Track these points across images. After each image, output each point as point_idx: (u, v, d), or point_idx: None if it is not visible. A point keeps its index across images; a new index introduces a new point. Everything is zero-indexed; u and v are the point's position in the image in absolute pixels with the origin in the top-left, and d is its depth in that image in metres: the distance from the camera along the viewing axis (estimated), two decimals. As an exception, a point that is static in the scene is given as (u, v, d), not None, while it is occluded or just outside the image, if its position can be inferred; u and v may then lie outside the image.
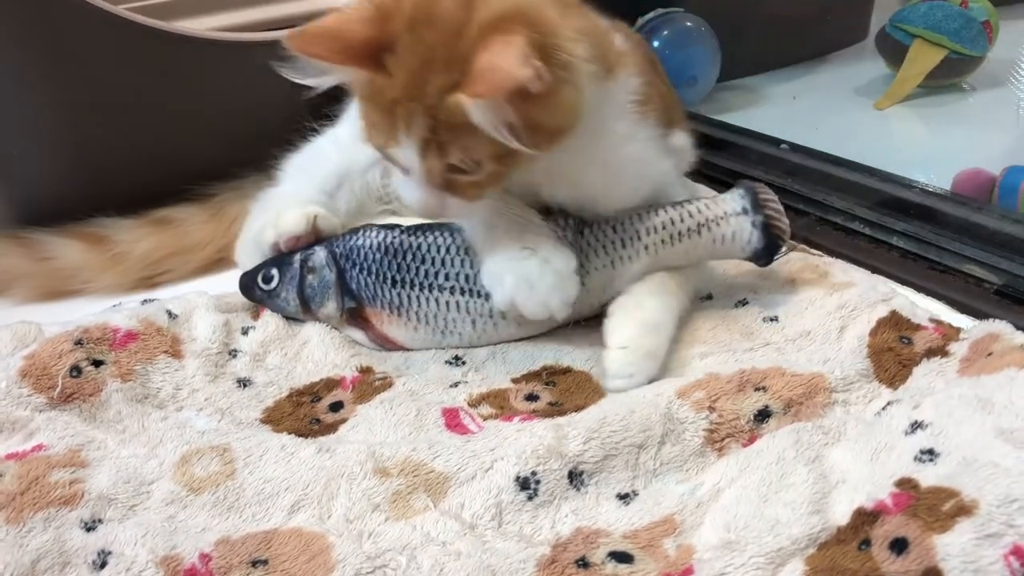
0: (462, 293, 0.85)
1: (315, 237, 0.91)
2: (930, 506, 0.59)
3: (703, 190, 1.02)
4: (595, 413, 0.73)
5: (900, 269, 0.96)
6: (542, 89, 0.68)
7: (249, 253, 0.94)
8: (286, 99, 1.11)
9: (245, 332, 0.88)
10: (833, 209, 1.08)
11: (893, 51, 1.51)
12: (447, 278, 0.85)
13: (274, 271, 0.88)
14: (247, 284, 0.90)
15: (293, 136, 1.06)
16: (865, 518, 0.61)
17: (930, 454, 0.65)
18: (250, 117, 1.11)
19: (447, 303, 0.85)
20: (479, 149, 0.72)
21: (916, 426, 0.68)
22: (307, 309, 0.88)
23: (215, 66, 1.07)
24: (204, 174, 1.09)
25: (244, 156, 1.09)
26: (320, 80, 0.76)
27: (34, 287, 1.00)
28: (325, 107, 1.07)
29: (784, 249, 0.88)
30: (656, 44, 1.40)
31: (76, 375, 0.78)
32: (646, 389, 0.76)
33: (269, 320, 0.88)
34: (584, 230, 0.85)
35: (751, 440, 0.72)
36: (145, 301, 0.90)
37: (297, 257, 0.89)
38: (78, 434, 0.74)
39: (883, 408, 0.73)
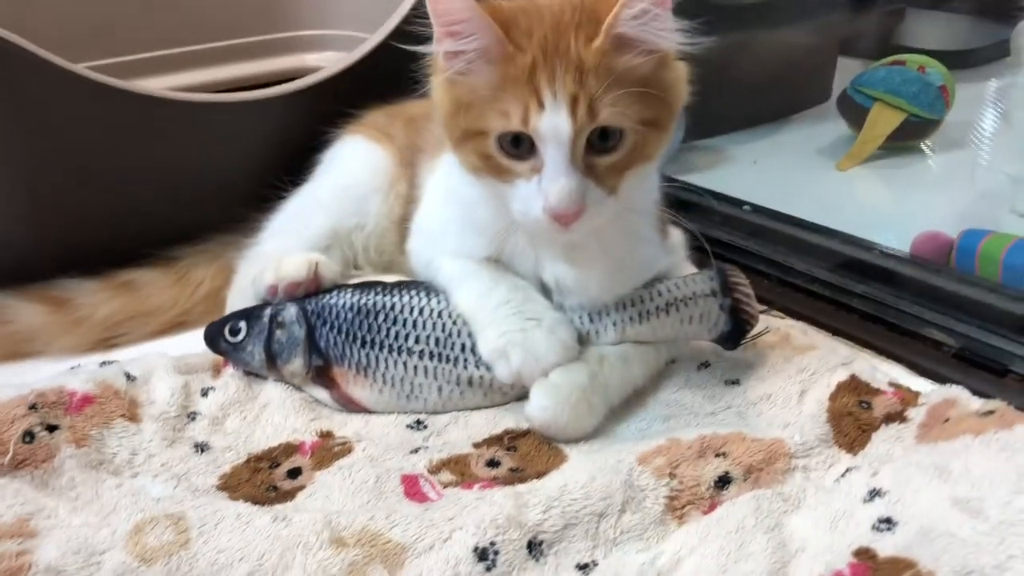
0: (431, 358, 0.84)
1: (315, 286, 0.91)
2: (887, 576, 0.59)
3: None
4: (556, 480, 0.72)
5: (860, 331, 0.98)
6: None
7: (245, 300, 0.94)
8: (250, 160, 1.13)
9: (205, 394, 0.86)
10: (794, 271, 1.09)
11: (854, 113, 1.54)
12: (417, 341, 0.85)
13: (242, 324, 0.88)
14: (212, 335, 0.89)
15: (259, 197, 1.06)
16: (824, 589, 0.61)
17: (888, 523, 0.65)
18: (214, 178, 1.11)
19: (415, 367, 0.84)
20: (627, 104, 0.72)
21: (874, 494, 0.68)
22: (272, 365, 0.87)
23: (177, 126, 1.07)
24: (168, 236, 1.08)
25: (209, 218, 1.09)
26: (439, 46, 0.74)
27: None
28: (290, 167, 1.08)
29: (751, 333, 0.89)
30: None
31: (29, 441, 0.76)
32: (607, 454, 0.76)
33: (230, 381, 0.87)
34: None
35: (711, 507, 0.72)
36: (104, 363, 0.89)
37: (267, 311, 0.88)
38: (28, 502, 0.72)
39: (842, 475, 0.73)
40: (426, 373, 0.84)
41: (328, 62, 1.49)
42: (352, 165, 1.06)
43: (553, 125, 0.71)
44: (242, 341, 0.88)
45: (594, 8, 0.73)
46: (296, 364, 0.86)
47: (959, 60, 1.72)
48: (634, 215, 0.84)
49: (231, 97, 1.09)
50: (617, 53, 0.72)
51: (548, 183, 0.73)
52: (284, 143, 1.12)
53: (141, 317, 1.02)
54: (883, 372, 0.87)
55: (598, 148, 0.73)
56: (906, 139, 1.52)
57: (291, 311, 0.88)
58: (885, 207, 1.43)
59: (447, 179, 0.89)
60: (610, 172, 0.75)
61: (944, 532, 0.62)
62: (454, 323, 0.85)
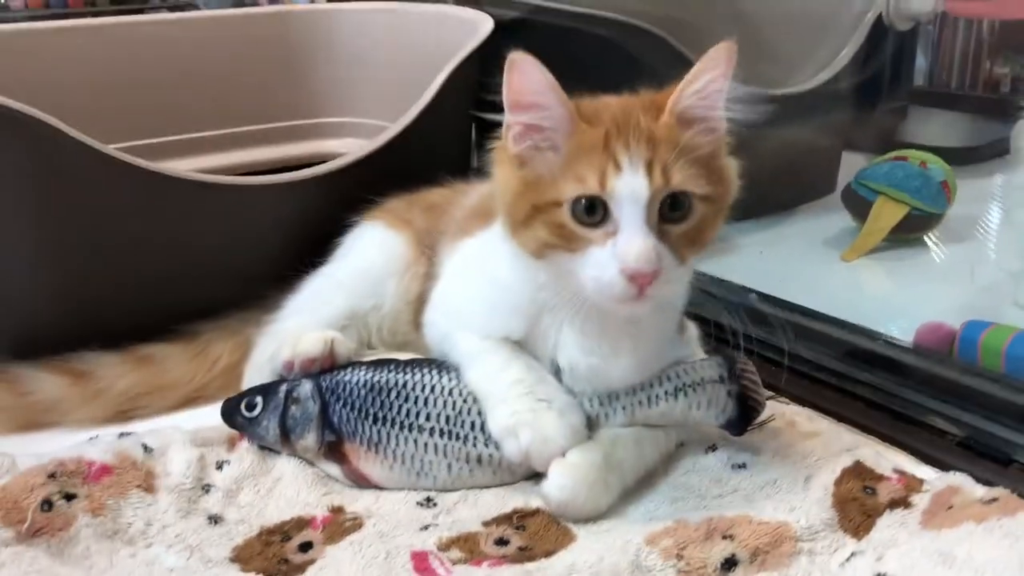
0: (441, 435, 0.86)
1: (330, 363, 0.93)
2: (893, 663, 0.60)
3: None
4: (565, 559, 0.73)
5: (865, 418, 0.99)
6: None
7: (262, 376, 0.96)
8: (272, 240, 1.17)
9: (220, 467, 0.88)
10: (800, 358, 1.11)
11: (858, 206, 1.58)
12: (427, 418, 0.86)
13: (258, 399, 0.90)
14: (229, 411, 0.91)
15: (279, 277, 1.09)
16: (829, 673, 0.61)
17: (893, 609, 0.66)
18: (236, 256, 1.14)
19: (425, 444, 0.86)
20: (693, 175, 0.76)
21: (879, 578, 0.69)
22: (286, 440, 0.88)
23: (204, 207, 1.11)
24: (190, 312, 1.11)
25: (230, 295, 1.12)
26: (513, 118, 0.79)
27: (10, 419, 1.00)
28: (310, 249, 1.11)
29: (758, 420, 0.90)
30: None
31: (47, 509, 0.78)
32: (615, 535, 0.77)
33: (244, 455, 0.89)
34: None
35: (718, 590, 0.72)
36: (122, 434, 0.90)
37: (283, 387, 0.90)
38: (43, 570, 0.73)
39: (847, 559, 0.74)
40: (436, 450, 0.86)
41: (349, 148, 1.55)
42: (370, 250, 1.09)
43: (631, 186, 0.74)
44: (258, 416, 0.90)
45: (655, 98, 0.79)
46: (309, 439, 0.88)
47: (961, 157, 1.76)
48: (666, 307, 0.86)
49: (256, 180, 1.13)
50: (683, 129, 0.77)
51: (625, 243, 0.74)
52: (305, 225, 1.15)
53: (159, 391, 1.04)
54: (888, 459, 0.88)
55: (668, 217, 0.76)
56: (909, 232, 1.55)
57: (306, 387, 0.90)
58: (889, 297, 1.45)
59: (478, 261, 0.92)
60: (681, 241, 0.77)
61: (949, 618, 0.62)
62: (464, 401, 0.87)
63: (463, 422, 0.86)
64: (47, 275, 1.06)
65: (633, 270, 0.74)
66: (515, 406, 0.83)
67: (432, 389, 0.87)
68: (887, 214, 1.53)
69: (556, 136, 0.78)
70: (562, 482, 0.81)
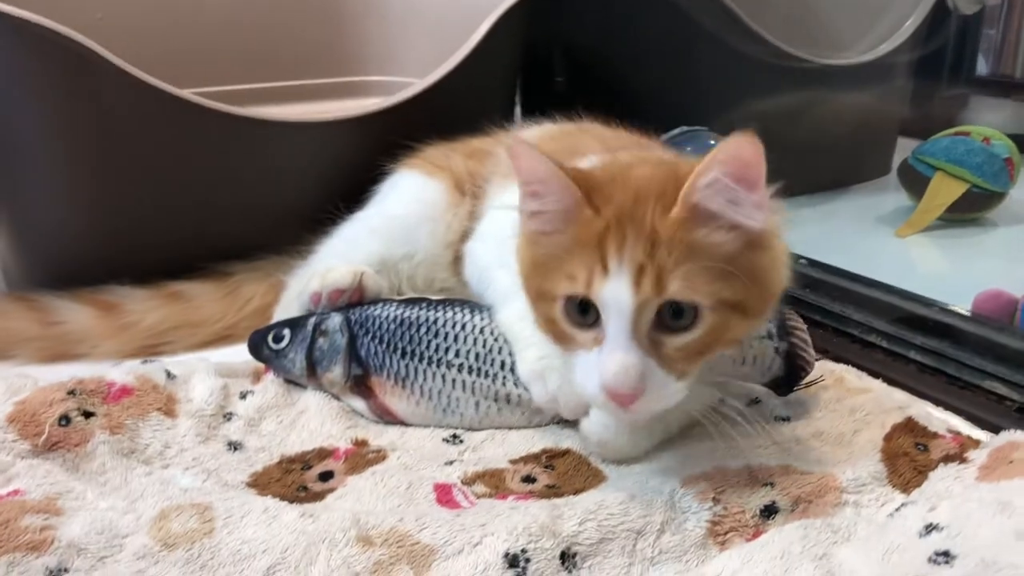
0: (470, 372, 0.83)
1: (359, 296, 0.91)
2: (945, 607, 0.55)
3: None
4: (594, 496, 0.69)
5: (918, 383, 0.94)
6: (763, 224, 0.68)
7: (290, 314, 0.94)
8: (308, 182, 1.15)
9: (243, 396, 0.86)
10: (851, 321, 1.06)
11: (915, 182, 1.52)
12: (456, 355, 0.84)
13: (286, 331, 0.88)
14: (256, 342, 0.89)
15: (314, 221, 1.07)
16: (875, 617, 0.57)
17: (946, 556, 0.61)
18: (272, 197, 1.13)
19: (453, 380, 0.83)
20: (700, 281, 0.66)
21: (931, 528, 0.64)
22: (312, 372, 0.86)
23: (239, 142, 1.09)
24: (225, 252, 1.10)
25: (263, 237, 1.11)
26: (522, 204, 0.72)
27: (38, 350, 0.99)
28: (346, 194, 1.09)
29: (805, 380, 0.86)
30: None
31: (64, 424, 0.76)
32: (650, 476, 0.73)
33: (269, 387, 0.87)
34: None
35: (755, 535, 0.68)
36: (146, 361, 0.89)
37: (312, 320, 0.88)
38: (57, 483, 0.71)
39: (896, 510, 0.69)
40: (464, 387, 0.83)
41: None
42: (405, 197, 1.07)
43: (615, 293, 0.66)
44: (284, 348, 0.88)
45: (678, 177, 0.68)
46: (336, 372, 0.86)
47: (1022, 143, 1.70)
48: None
49: (295, 117, 1.12)
50: (695, 225, 0.67)
51: (606, 356, 0.67)
52: (343, 167, 1.14)
53: (187, 327, 1.02)
54: (941, 419, 0.83)
55: (670, 326, 0.67)
56: (968, 211, 1.49)
57: (335, 320, 0.88)
58: (944, 275, 1.39)
59: None
60: (680, 354, 0.68)
61: (1008, 564, 0.57)
62: (495, 340, 0.84)
63: (493, 360, 0.83)
64: (84, 204, 1.05)
65: (609, 388, 0.67)
66: (544, 350, 0.79)
67: (463, 327, 0.84)
68: (945, 191, 1.47)
69: (560, 223, 0.70)
70: (607, 421, 0.77)
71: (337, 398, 0.87)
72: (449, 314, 0.86)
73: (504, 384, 0.82)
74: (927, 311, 1.05)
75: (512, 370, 0.82)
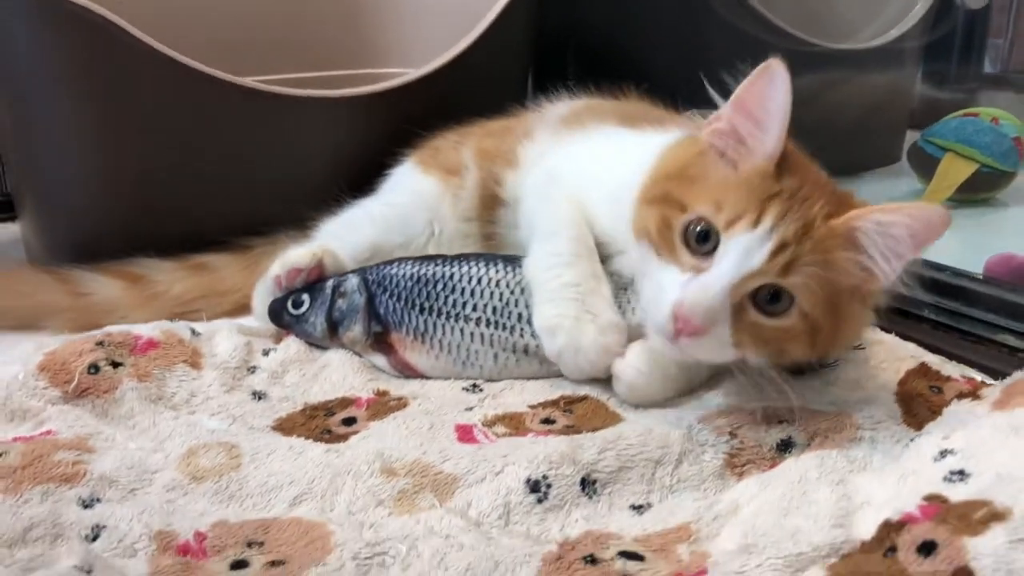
0: (487, 325, 0.85)
1: (318, 274, 0.92)
2: (960, 514, 0.56)
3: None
4: (613, 430, 0.71)
5: (931, 338, 0.94)
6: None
7: (260, 296, 0.96)
8: (333, 161, 1.17)
9: (266, 353, 0.88)
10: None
11: (925, 164, 1.53)
12: (474, 308, 0.85)
13: (305, 296, 0.90)
14: (276, 309, 0.90)
15: (333, 199, 1.09)
16: (891, 528, 0.57)
17: (960, 475, 0.62)
18: (296, 175, 1.14)
19: (471, 334, 0.85)
20: (812, 289, 0.69)
21: (945, 453, 0.65)
22: (333, 333, 0.88)
23: (273, 120, 1.11)
24: (245, 227, 1.12)
25: (285, 213, 1.12)
26: (729, 114, 0.72)
27: (68, 320, 1.00)
28: (359, 174, 1.11)
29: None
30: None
31: (94, 372, 0.78)
32: (667, 412, 0.74)
33: (291, 344, 0.89)
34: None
35: (772, 467, 0.69)
36: (171, 319, 0.91)
37: (330, 283, 0.90)
38: (88, 426, 0.73)
39: (910, 441, 0.70)
40: (482, 340, 0.84)
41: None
42: (403, 190, 1.09)
43: (748, 249, 0.68)
44: (305, 312, 0.89)
45: (850, 198, 0.73)
46: (356, 331, 0.87)
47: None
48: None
49: (310, 93, 1.13)
50: (844, 245, 0.69)
51: (696, 285, 0.68)
52: (356, 146, 1.16)
53: (214, 296, 1.04)
54: (954, 367, 0.84)
55: (759, 302, 0.69)
56: (978, 191, 1.50)
57: (352, 281, 0.90)
58: (955, 252, 1.39)
59: (618, 150, 0.89)
60: (750, 330, 0.70)
61: (1022, 477, 0.58)
62: (511, 292, 0.85)
63: (510, 313, 0.85)
64: (108, 177, 1.07)
65: (680, 310, 0.68)
66: (561, 308, 0.81)
67: (479, 281, 0.86)
68: (955, 171, 1.48)
69: (746, 156, 0.71)
70: (640, 366, 0.78)
71: (359, 355, 0.88)
72: (465, 268, 0.87)
73: (522, 336, 0.84)
74: (939, 275, 1.06)
75: (530, 322, 0.84)
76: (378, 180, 1.12)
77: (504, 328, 0.84)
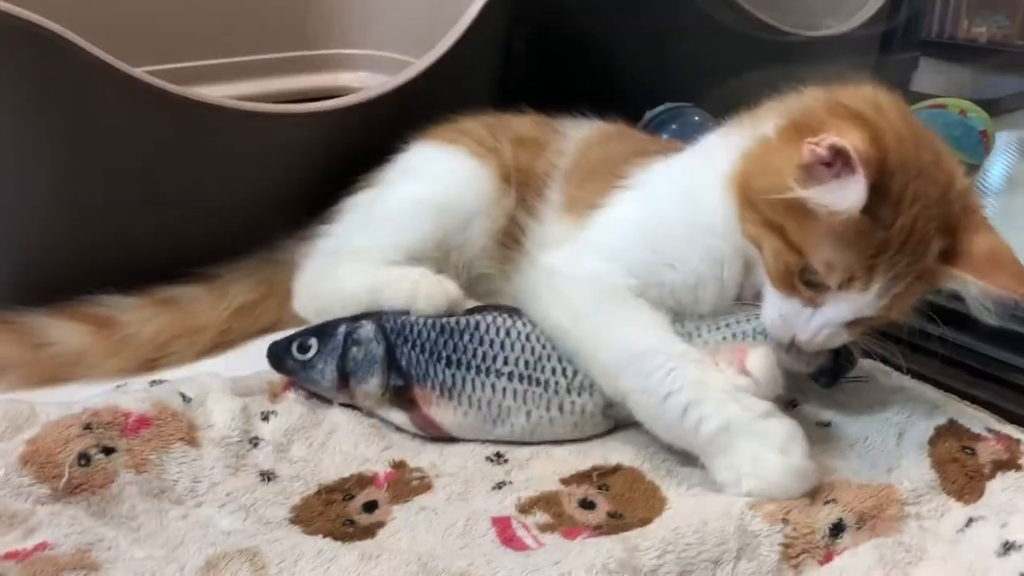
0: (520, 380, 0.79)
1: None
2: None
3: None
4: (668, 524, 0.67)
5: (942, 375, 0.93)
6: None
7: (340, 307, 0.88)
8: (297, 176, 1.08)
9: (265, 418, 0.80)
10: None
11: (893, 156, 1.52)
12: (506, 362, 0.80)
13: (312, 340, 0.82)
14: (278, 353, 0.83)
15: (306, 218, 1.01)
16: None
17: (1033, 578, 0.61)
18: (258, 193, 1.05)
19: (503, 389, 0.79)
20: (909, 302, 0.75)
21: (1008, 547, 0.64)
22: (344, 385, 0.81)
23: (228, 135, 1.01)
24: (208, 253, 1.02)
25: (255, 235, 1.03)
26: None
27: (28, 376, 0.88)
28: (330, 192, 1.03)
29: (852, 374, 0.85)
30: (664, 138, 1.38)
31: (85, 464, 0.70)
32: (716, 499, 0.71)
33: (292, 406, 0.82)
34: None
35: (828, 557, 0.67)
36: (154, 382, 0.83)
37: (342, 328, 0.83)
38: (86, 531, 0.65)
39: (966, 525, 0.69)
40: (515, 396, 0.79)
41: (364, 82, 1.45)
42: (454, 177, 0.98)
43: (860, 305, 0.71)
44: (312, 359, 0.82)
45: (970, 203, 0.74)
46: (373, 384, 0.81)
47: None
48: None
49: (275, 108, 1.04)
50: (943, 278, 0.73)
51: (816, 323, 0.73)
52: (328, 160, 1.06)
53: (188, 336, 0.94)
54: (978, 418, 0.83)
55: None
56: (946, 183, 1.50)
57: (368, 328, 0.83)
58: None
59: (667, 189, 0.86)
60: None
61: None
62: (543, 347, 0.80)
63: (543, 367, 0.80)
64: (60, 208, 0.96)
65: (809, 347, 0.75)
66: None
67: (507, 332, 0.81)
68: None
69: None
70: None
71: (368, 414, 0.82)
72: (490, 319, 0.82)
73: (557, 392, 0.79)
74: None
75: (564, 375, 0.79)
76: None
77: (538, 384, 0.79)
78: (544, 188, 0.96)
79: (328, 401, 0.84)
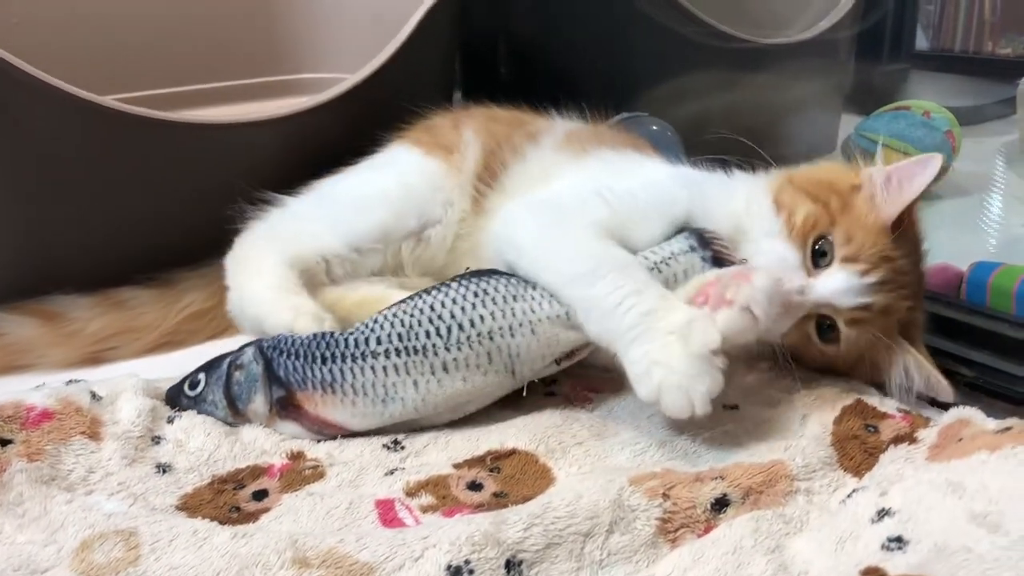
0: (398, 354, 0.79)
1: None
2: (899, 594, 0.54)
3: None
4: (541, 500, 0.67)
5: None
6: None
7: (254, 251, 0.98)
8: (245, 182, 1.10)
9: (171, 421, 0.81)
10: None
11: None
12: (379, 342, 0.80)
13: (200, 376, 0.83)
14: (173, 394, 0.84)
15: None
16: (829, 609, 0.55)
17: (898, 542, 0.60)
18: (208, 201, 1.07)
19: (383, 368, 0.79)
20: (856, 349, 0.83)
21: (883, 513, 0.63)
22: (235, 409, 0.82)
23: (173, 148, 1.05)
24: (161, 259, 1.05)
25: (203, 240, 1.05)
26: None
27: None
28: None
29: None
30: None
31: (-21, 455, 0.71)
32: (598, 475, 0.70)
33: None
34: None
35: (707, 530, 0.66)
36: (70, 382, 0.84)
37: (227, 360, 0.84)
38: (-30, 518, 0.67)
39: (848, 496, 0.68)
40: (396, 371, 0.79)
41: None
42: (408, 170, 1.04)
43: (849, 287, 0.80)
44: (202, 392, 0.83)
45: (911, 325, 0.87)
46: (257, 401, 0.81)
47: (963, 117, 1.70)
48: None
49: (220, 119, 1.08)
50: (887, 349, 0.83)
51: (800, 281, 0.81)
52: (276, 169, 1.09)
53: (130, 333, 1.00)
54: (891, 399, 0.82)
55: (819, 324, 0.83)
56: (912, 185, 1.48)
57: (248, 353, 0.83)
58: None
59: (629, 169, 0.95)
60: (798, 334, 0.83)
61: (961, 548, 0.56)
62: (410, 315, 0.81)
63: (416, 334, 0.80)
64: (16, 220, 1.01)
65: (798, 296, 0.80)
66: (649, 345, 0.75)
67: (374, 318, 0.82)
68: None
69: (881, 207, 0.84)
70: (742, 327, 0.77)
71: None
72: None
73: (436, 353, 0.79)
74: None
75: (439, 335, 0.79)
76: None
77: (416, 352, 0.79)
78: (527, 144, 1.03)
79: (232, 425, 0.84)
